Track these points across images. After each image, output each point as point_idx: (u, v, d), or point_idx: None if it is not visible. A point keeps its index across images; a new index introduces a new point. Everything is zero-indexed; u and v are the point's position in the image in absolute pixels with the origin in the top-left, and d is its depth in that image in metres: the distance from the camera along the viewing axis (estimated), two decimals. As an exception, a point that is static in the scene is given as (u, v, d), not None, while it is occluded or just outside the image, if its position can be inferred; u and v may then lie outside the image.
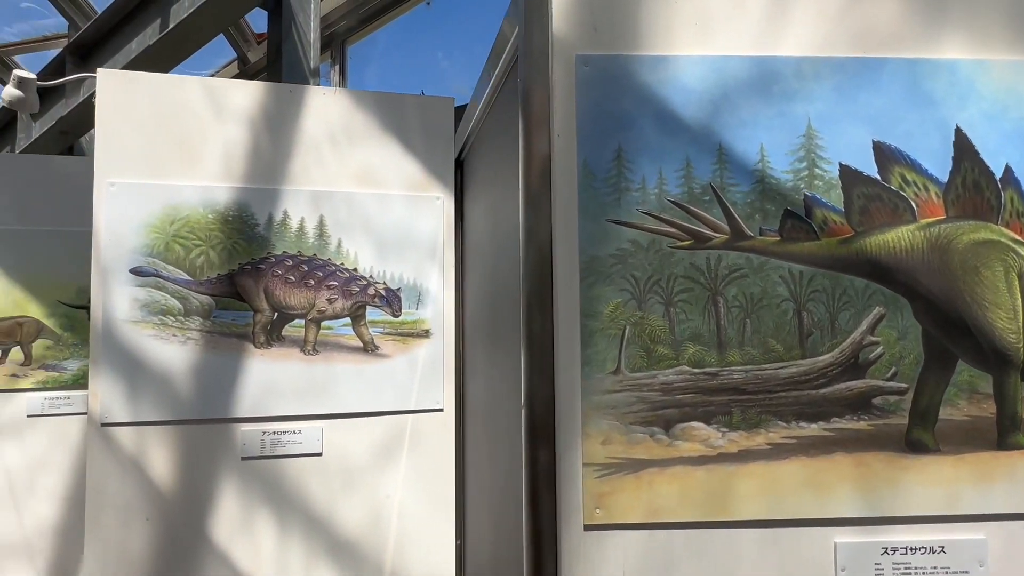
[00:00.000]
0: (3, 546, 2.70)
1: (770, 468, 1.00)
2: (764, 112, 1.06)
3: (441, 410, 1.95)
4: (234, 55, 5.10)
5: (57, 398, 2.72)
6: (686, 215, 1.06)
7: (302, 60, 3.37)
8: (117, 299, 1.74)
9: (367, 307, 1.90)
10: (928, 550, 0.94)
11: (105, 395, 1.72)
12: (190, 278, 1.79)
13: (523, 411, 0.99)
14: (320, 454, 1.87)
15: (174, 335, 1.77)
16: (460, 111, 2.05)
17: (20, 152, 5.02)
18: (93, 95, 4.48)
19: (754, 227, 1.06)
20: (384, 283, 1.91)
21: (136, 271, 1.75)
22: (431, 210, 1.96)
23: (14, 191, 2.72)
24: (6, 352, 2.66)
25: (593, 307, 1.04)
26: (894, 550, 0.95)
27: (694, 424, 1.03)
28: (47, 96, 4.91)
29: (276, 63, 3.42)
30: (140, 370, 1.74)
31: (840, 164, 1.01)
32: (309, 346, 1.86)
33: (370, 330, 1.91)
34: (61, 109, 4.70)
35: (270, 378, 1.82)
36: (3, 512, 2.68)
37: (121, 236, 1.75)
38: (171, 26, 3.94)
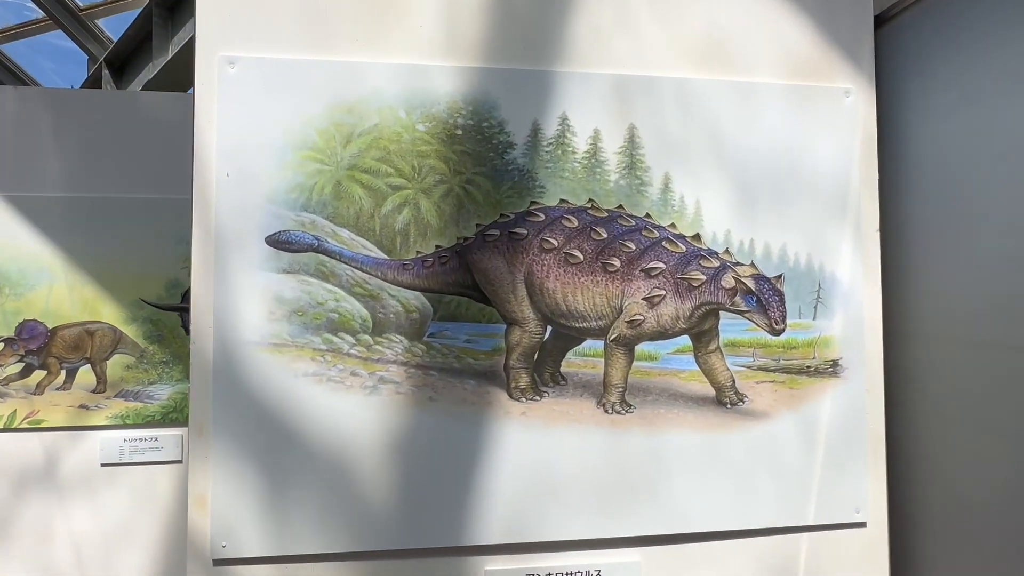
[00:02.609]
0: (72, 645, 1.93)
1: None
2: None
3: (863, 525, 0.99)
4: None
5: (141, 440, 1.94)
6: None
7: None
8: (242, 300, 0.84)
9: (719, 313, 0.92)
10: None
11: (222, 502, 0.81)
12: (383, 256, 0.87)
13: None
14: (638, 618, 0.91)
15: (354, 374, 0.86)
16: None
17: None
18: (181, 51, 3.72)
19: None
20: (751, 264, 0.95)
21: (279, 240, 0.84)
22: (834, 116, 1.01)
23: (82, 144, 1.92)
24: (72, 373, 1.92)
25: None
26: None
27: None
28: (133, 59, 4.24)
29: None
30: (288, 449, 0.83)
31: None
32: (614, 395, 0.91)
33: (727, 361, 0.93)
34: (148, 73, 4.00)
35: (540, 462, 0.89)
36: (71, 598, 1.92)
37: (248, 168, 0.84)
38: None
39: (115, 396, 1.91)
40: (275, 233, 0.86)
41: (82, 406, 1.90)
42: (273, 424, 0.85)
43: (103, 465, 1.92)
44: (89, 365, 1.91)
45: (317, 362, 0.86)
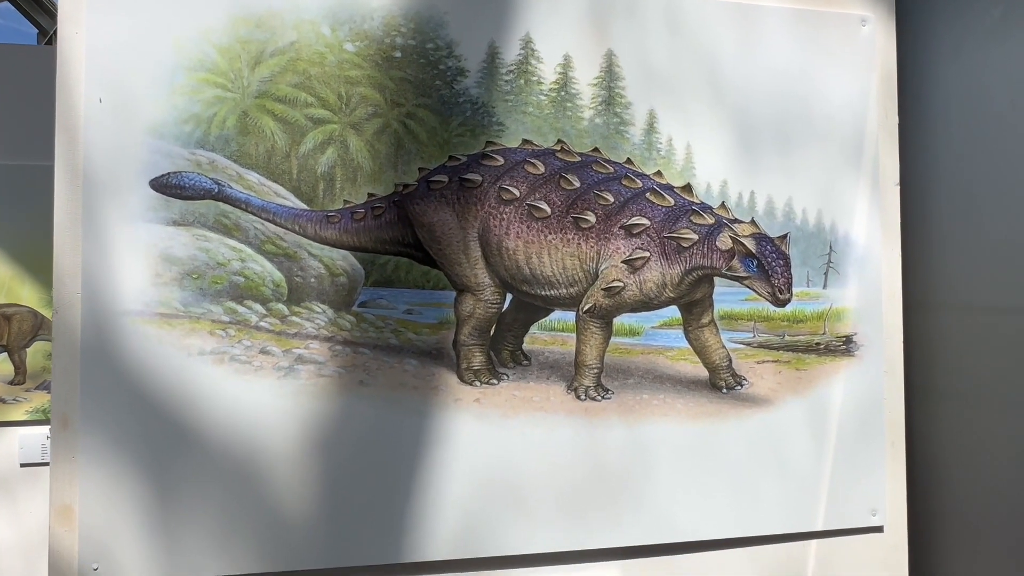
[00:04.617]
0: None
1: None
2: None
3: (880, 529, 0.92)
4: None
5: (66, 436, 1.79)
6: None
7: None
8: (119, 259, 0.74)
9: (713, 280, 0.84)
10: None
11: (93, 515, 0.71)
12: (302, 206, 0.75)
13: None
14: (616, 646, 0.79)
15: (264, 352, 0.75)
16: None
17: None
18: None
19: None
20: (751, 222, 0.86)
21: (168, 185, 0.72)
22: (848, 48, 0.93)
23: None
24: (-13, 362, 1.88)
25: None
26: None
27: None
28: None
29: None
30: (179, 446, 0.73)
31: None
32: (588, 378, 0.80)
33: (722, 337, 0.81)
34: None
35: (498, 460, 0.81)
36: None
37: (128, 93, 0.72)
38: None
39: (36, 388, 1.84)
40: (163, 175, 0.74)
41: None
42: (159, 415, 0.71)
43: (23, 465, 1.84)
44: (6, 353, 1.85)
45: (217, 337, 0.73)
